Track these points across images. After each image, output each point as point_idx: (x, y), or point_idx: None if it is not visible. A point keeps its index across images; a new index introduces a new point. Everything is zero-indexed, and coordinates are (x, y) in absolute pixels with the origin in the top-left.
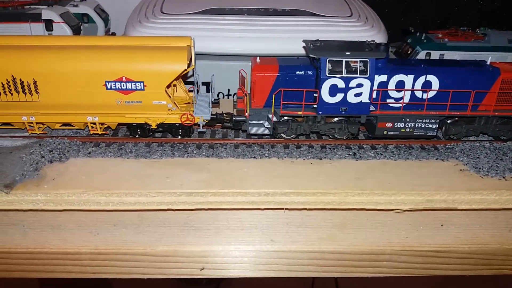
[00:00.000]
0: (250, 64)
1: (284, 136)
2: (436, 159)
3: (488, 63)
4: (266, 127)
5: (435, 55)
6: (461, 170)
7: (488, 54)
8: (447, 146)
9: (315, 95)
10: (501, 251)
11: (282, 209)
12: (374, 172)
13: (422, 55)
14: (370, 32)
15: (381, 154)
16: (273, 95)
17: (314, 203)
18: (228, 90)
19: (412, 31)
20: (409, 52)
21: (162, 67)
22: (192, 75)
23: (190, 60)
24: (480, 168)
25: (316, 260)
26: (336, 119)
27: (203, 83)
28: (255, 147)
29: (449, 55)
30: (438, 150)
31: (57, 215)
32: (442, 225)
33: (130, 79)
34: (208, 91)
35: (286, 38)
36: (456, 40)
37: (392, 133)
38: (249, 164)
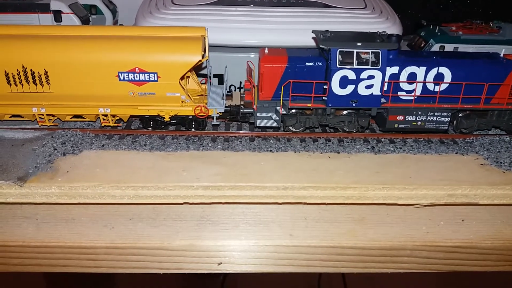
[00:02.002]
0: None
1: (292, 129)
2: (456, 153)
3: (502, 55)
4: (274, 120)
5: (449, 48)
6: (482, 164)
7: (503, 47)
8: (466, 140)
9: (325, 87)
10: None
11: (301, 203)
12: (394, 166)
13: (435, 48)
14: (385, 24)
15: (400, 148)
16: (282, 87)
17: (333, 197)
18: (240, 82)
19: (425, 24)
20: (422, 45)
21: (177, 58)
22: (205, 66)
23: (204, 51)
24: (501, 163)
25: (336, 256)
26: (345, 111)
27: (214, 75)
28: (271, 140)
29: (463, 48)
30: (457, 144)
31: (71, 209)
32: (463, 220)
33: (143, 70)
34: (219, 83)
35: (300, 30)
36: (470, 33)
37: (403, 126)
38: (266, 158)
